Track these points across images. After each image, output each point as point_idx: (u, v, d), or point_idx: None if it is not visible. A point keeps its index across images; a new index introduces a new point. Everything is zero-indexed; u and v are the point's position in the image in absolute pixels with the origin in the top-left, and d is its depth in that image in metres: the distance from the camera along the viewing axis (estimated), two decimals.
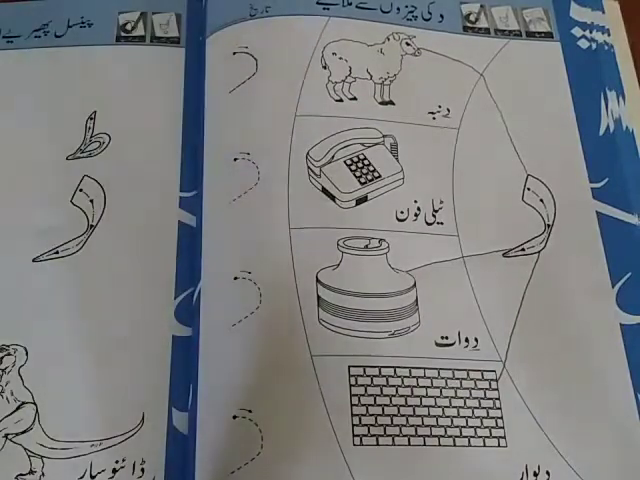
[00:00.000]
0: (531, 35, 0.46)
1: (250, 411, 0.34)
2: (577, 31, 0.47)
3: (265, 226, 0.39)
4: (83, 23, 0.46)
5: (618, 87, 0.45)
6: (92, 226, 0.40)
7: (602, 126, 0.44)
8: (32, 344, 0.37)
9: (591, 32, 0.47)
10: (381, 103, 0.43)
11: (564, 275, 0.40)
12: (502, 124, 0.43)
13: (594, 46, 0.46)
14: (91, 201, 0.41)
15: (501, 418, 0.36)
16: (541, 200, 0.41)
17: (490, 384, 0.36)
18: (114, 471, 0.34)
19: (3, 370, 0.36)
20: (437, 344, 0.37)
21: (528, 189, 0.42)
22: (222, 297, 0.37)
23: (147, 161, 0.42)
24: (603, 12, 0.48)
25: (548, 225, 0.41)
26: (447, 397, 0.36)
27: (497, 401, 0.36)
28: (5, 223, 0.40)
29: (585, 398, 0.37)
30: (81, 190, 0.41)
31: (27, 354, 0.37)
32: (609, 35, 0.47)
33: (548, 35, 0.47)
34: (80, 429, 0.35)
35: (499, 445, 0.35)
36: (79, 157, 0.42)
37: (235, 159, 0.40)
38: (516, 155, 0.42)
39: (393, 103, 0.43)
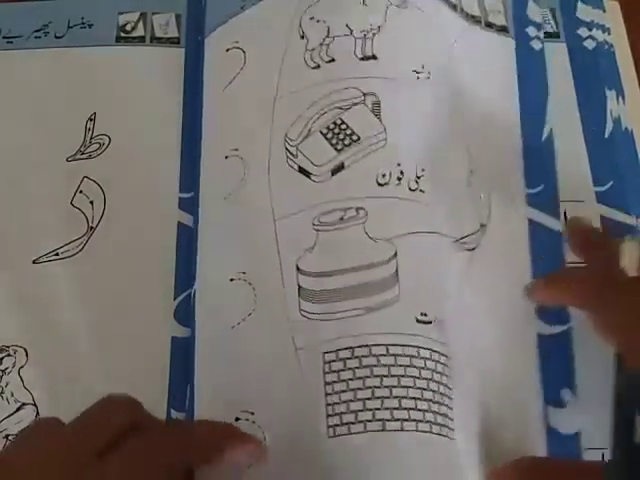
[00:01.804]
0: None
1: (252, 413, 0.34)
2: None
3: (252, 223, 0.38)
4: (83, 24, 0.46)
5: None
6: (92, 228, 0.40)
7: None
8: (32, 345, 0.37)
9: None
10: (362, 59, 0.40)
11: (490, 277, 0.38)
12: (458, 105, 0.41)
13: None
14: (91, 203, 0.41)
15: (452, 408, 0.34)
16: (479, 197, 0.39)
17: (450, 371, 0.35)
18: None
19: (3, 371, 0.36)
20: (417, 320, 0.35)
21: (470, 184, 0.40)
22: (219, 299, 0.37)
23: (147, 162, 0.42)
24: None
25: (482, 225, 0.39)
26: (426, 379, 0.34)
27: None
28: (5, 224, 0.40)
29: (498, 408, 0.36)
30: (81, 192, 0.41)
31: (27, 355, 0.37)
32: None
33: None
34: None
35: (448, 437, 0.34)
36: (79, 158, 0.42)
37: (226, 157, 0.40)
38: (465, 148, 0.40)
39: (375, 57, 0.40)
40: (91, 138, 0.42)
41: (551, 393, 0.36)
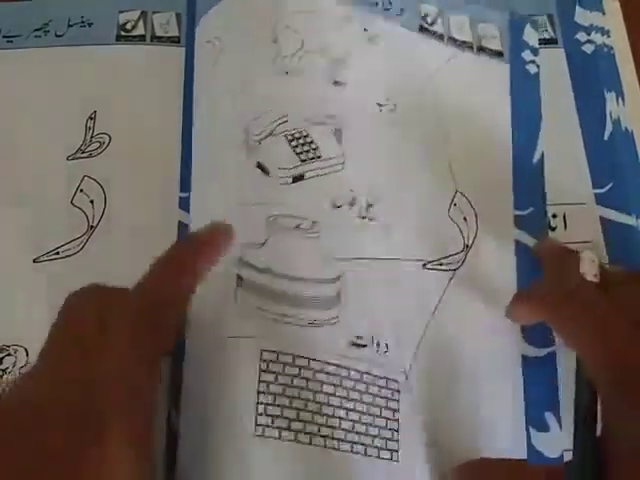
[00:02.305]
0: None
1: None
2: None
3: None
4: (83, 22, 0.46)
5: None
6: (92, 227, 0.40)
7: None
8: (32, 345, 0.37)
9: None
10: (331, 83, 0.41)
11: (474, 298, 0.38)
12: (442, 130, 0.42)
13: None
14: (91, 202, 0.41)
15: (397, 431, 0.34)
16: (464, 218, 0.40)
17: (392, 394, 0.35)
18: None
19: (4, 371, 0.36)
20: (352, 343, 0.35)
21: (454, 205, 0.40)
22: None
23: (147, 161, 0.42)
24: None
25: (467, 245, 0.40)
26: (353, 400, 0.34)
27: (396, 413, 0.35)
28: (6, 223, 0.40)
29: (475, 424, 0.36)
30: (81, 191, 0.41)
31: (27, 355, 0.37)
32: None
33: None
34: None
35: (391, 459, 0.34)
36: (79, 157, 0.42)
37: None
38: (449, 169, 0.41)
39: (342, 84, 0.41)
40: (91, 137, 0.42)
41: (534, 415, 0.36)
